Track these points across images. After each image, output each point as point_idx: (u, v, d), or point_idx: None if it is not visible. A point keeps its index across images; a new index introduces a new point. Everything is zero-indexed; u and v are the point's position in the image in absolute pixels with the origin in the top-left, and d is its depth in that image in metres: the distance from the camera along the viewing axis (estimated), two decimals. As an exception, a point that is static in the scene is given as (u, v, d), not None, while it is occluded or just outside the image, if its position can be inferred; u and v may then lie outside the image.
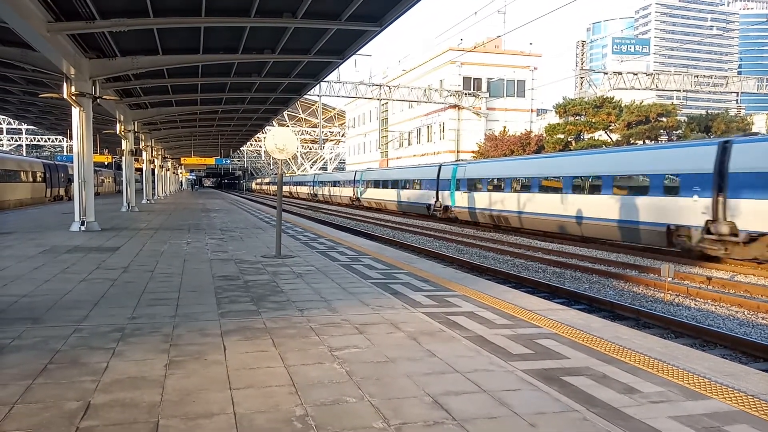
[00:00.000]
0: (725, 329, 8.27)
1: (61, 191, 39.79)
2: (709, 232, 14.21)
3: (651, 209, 15.96)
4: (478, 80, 52.00)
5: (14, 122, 64.26)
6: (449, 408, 3.22)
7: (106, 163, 41.01)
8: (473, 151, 46.92)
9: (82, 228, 13.88)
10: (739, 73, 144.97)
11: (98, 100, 14.67)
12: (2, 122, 69.49)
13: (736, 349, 7.34)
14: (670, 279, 10.66)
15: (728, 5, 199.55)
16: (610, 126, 40.70)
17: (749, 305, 9.69)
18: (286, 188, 74.59)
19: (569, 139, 41.10)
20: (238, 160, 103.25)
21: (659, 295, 10.63)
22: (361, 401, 3.30)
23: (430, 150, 54.12)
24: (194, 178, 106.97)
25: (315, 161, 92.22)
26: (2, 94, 22.28)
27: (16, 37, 12.13)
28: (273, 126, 37.58)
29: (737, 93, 48.26)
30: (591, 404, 3.30)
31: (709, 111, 46.42)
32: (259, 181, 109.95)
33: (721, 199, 13.99)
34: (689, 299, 10.36)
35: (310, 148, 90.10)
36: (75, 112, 13.87)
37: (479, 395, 3.43)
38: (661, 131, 39.38)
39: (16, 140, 73.76)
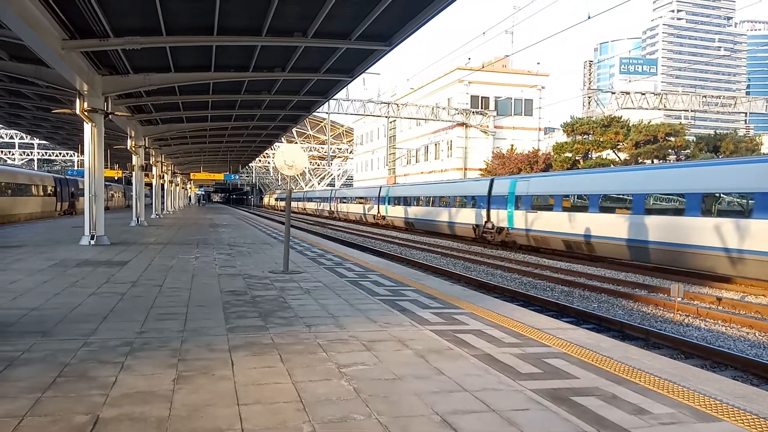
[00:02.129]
0: (736, 350, 8.17)
1: (72, 205, 40.12)
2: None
3: None
4: (485, 99, 52.26)
5: (26, 137, 65.06)
6: (458, 427, 3.20)
7: (116, 178, 41.40)
8: (481, 169, 46.99)
9: (92, 242, 13.97)
10: (748, 93, 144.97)
11: (110, 116, 14.86)
12: (15, 137, 70.33)
13: (747, 371, 7.25)
14: (679, 299, 10.57)
15: (735, 26, 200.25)
16: (618, 145, 40.69)
17: (760, 326, 9.59)
18: (314, 206, 63.85)
19: (577, 158, 41.10)
20: (247, 176, 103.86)
21: (669, 315, 10.54)
22: (368, 419, 3.29)
23: (437, 167, 54.27)
24: (203, 193, 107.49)
25: (323, 177, 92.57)
26: (16, 110, 22.63)
27: (31, 54, 12.35)
28: (282, 142, 37.87)
29: (746, 113, 48.20)
30: (601, 425, 3.26)
31: (717, 131, 46.34)
32: (276, 194, 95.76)
33: None
34: (699, 320, 10.26)
35: (318, 165, 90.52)
36: (87, 127, 14.06)
37: (488, 414, 3.41)
38: (670, 151, 39.31)
39: (28, 155, 74.60)
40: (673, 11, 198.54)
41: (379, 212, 41.49)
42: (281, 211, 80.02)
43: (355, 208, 48.23)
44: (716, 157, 34.28)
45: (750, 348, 8.46)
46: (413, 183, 46.30)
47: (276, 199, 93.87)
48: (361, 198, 46.91)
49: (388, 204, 38.80)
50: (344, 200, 52.06)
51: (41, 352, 4.49)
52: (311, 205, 66.66)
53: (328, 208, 56.97)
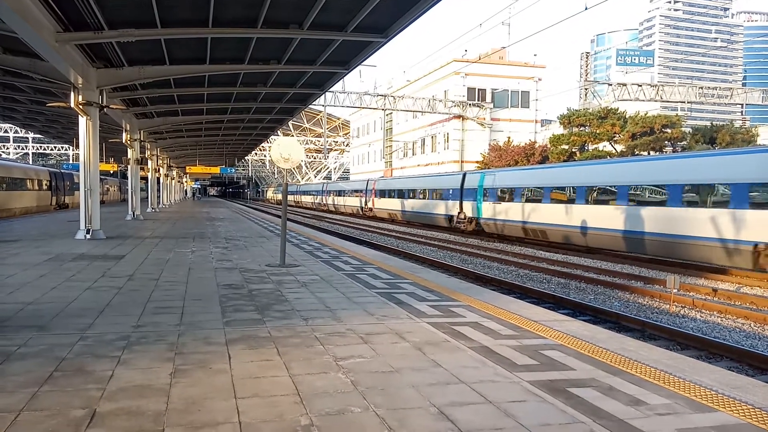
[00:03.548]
0: (731, 341, 8.22)
1: (67, 199, 39.98)
2: None
3: None
4: (482, 91, 52.18)
5: (21, 131, 64.72)
6: (455, 419, 3.20)
7: (111, 172, 41.25)
8: (477, 162, 46.98)
9: (88, 236, 13.94)
10: (744, 84, 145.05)
11: (105, 110, 14.79)
12: (9, 131, 69.95)
13: (742, 362, 7.29)
14: (675, 290, 10.62)
15: (732, 17, 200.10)
16: (614, 137, 40.73)
17: (755, 317, 9.63)
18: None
19: (574, 150, 41.12)
20: (243, 170, 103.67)
21: (665, 307, 10.58)
22: (366, 411, 3.29)
23: (434, 160, 54.23)
24: (198, 186, 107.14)
25: (319, 170, 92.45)
26: (10, 103, 22.50)
27: (25, 47, 12.27)
28: (278, 135, 37.76)
29: (742, 105, 48.27)
30: (597, 416, 3.28)
31: (713, 122, 46.40)
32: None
33: None
34: (695, 311, 10.31)
35: (315, 158, 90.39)
36: (82, 121, 13.99)
37: (484, 406, 3.42)
38: (666, 142, 39.36)
39: (23, 149, 74.22)
40: (669, 2, 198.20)
41: (461, 212, 27.27)
42: (295, 206, 69.48)
43: (414, 205, 33.36)
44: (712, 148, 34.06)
45: (745, 339, 8.51)
46: (547, 166, 28.59)
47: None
48: (427, 190, 32.01)
49: (484, 199, 25.18)
50: (393, 195, 37.57)
51: (38, 346, 4.48)
52: (339, 200, 52.45)
53: (361, 204, 44.39)
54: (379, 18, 11.86)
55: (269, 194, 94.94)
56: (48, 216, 27.68)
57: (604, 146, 42.13)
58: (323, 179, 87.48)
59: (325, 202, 58.02)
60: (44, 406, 3.27)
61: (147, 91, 18.03)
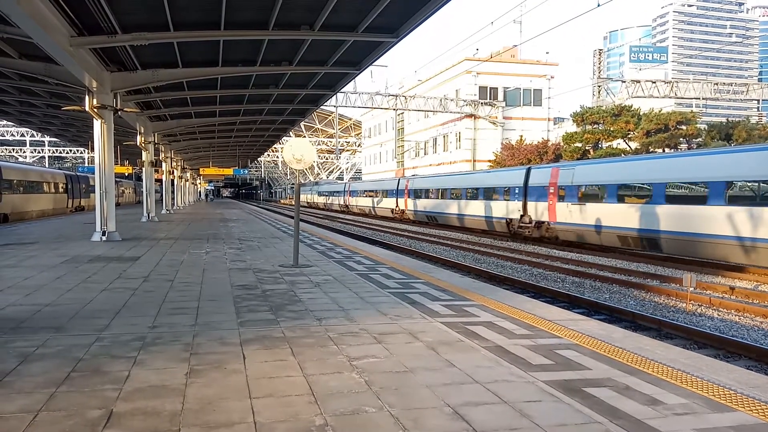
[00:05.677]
0: (750, 340, 8.10)
1: (83, 202, 40.42)
2: None
3: None
4: (494, 89, 51.99)
5: (37, 134, 65.57)
6: (470, 419, 3.19)
7: (126, 174, 41.62)
8: (490, 161, 46.80)
9: (104, 238, 14.08)
10: (760, 80, 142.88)
11: (119, 113, 14.92)
12: (26, 134, 70.87)
13: (761, 361, 7.18)
14: (692, 289, 10.49)
15: (747, 12, 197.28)
16: (628, 134, 40.34)
17: (774, 316, 9.48)
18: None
19: (587, 148, 40.80)
20: (256, 171, 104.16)
21: (681, 305, 10.46)
22: (380, 411, 3.29)
23: (446, 159, 54.12)
24: (212, 188, 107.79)
25: (331, 171, 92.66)
26: (26, 107, 22.78)
27: (40, 52, 12.41)
28: (290, 137, 37.88)
29: (758, 100, 47.50)
30: (614, 416, 3.25)
31: (729, 119, 45.79)
32: (321, 186, 65.02)
33: None
34: (712, 309, 10.18)
35: (327, 159, 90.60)
36: (97, 124, 14.13)
37: (499, 406, 3.40)
38: (681, 139, 38.91)
39: (39, 152, 75.19)
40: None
41: None
42: (332, 210, 57.28)
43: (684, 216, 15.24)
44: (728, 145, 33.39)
45: (764, 337, 8.38)
46: None
47: (320, 194, 66.00)
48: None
49: None
50: (608, 196, 18.46)
51: (55, 347, 4.54)
52: (439, 206, 31.51)
53: (508, 215, 24.27)
54: (389, 18, 11.85)
55: (315, 197, 68.67)
56: (64, 218, 28.00)
57: (618, 144, 41.77)
58: (335, 179, 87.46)
59: (402, 207, 36.85)
60: (62, 406, 3.31)
61: (160, 94, 18.18)
